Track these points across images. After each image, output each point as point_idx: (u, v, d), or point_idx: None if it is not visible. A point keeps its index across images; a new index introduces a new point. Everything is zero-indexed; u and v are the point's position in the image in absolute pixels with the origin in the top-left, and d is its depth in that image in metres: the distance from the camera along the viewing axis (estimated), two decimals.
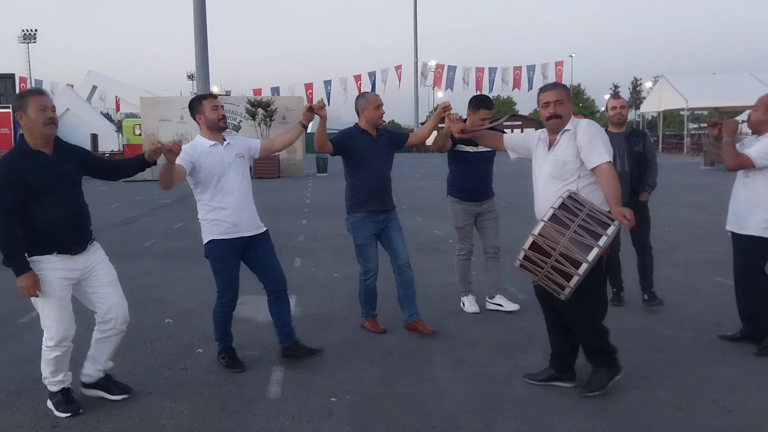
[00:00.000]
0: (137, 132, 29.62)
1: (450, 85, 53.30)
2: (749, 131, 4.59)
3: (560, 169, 3.72)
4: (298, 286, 6.47)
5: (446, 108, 4.65)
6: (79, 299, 3.70)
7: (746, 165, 4.30)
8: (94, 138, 34.38)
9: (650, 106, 44.76)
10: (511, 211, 10.42)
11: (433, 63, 55.62)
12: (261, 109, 24.45)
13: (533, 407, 3.67)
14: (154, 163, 3.80)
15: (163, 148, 3.63)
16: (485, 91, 52.62)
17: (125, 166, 3.93)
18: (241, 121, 25.20)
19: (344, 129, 5.04)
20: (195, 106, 4.21)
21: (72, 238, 3.56)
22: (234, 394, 3.89)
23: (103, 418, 3.56)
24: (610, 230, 3.40)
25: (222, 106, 4.25)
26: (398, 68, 53.46)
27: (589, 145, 3.63)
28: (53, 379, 3.61)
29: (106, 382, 3.82)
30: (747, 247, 4.43)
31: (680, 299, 5.85)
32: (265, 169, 23.03)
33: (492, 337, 4.89)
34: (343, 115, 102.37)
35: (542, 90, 3.84)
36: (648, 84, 61.03)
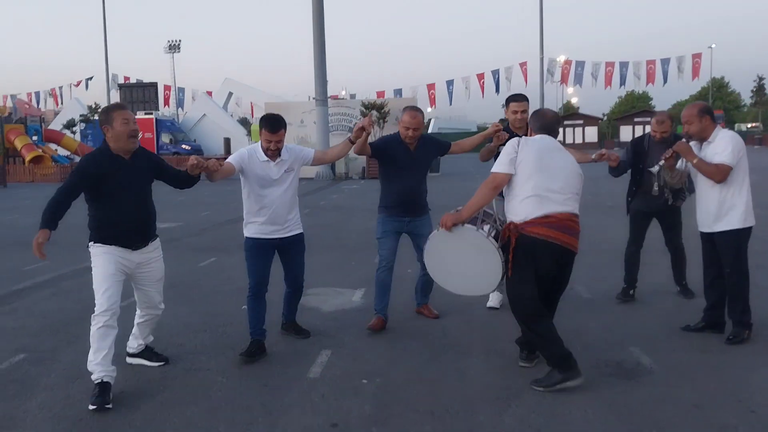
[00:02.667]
0: None
1: (578, 80, 51.85)
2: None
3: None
4: (370, 280, 6.82)
5: (498, 129, 5.25)
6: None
7: (728, 170, 4.52)
8: (227, 142, 36.81)
9: None
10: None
11: (561, 58, 54.26)
12: (375, 111, 25.16)
13: (551, 398, 3.79)
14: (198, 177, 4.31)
15: (201, 165, 4.13)
16: (615, 87, 50.75)
17: (184, 177, 4.33)
18: (355, 123, 26.07)
19: (387, 135, 5.36)
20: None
21: (135, 236, 4.03)
22: (279, 373, 4.31)
23: (162, 388, 4.10)
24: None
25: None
26: (523, 65, 52.61)
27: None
28: (95, 362, 3.85)
29: (147, 353, 4.48)
30: (732, 241, 4.62)
31: None
32: (377, 170, 23.73)
33: None
34: (469, 114, 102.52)
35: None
36: None
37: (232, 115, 54.88)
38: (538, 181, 3.89)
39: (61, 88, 56.73)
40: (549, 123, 4.16)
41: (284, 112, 28.20)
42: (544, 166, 3.94)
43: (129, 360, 4.48)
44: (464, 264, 4.17)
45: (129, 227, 4.01)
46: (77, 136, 40.57)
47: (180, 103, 56.95)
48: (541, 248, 3.86)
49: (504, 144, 4.85)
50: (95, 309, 3.91)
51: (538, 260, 3.89)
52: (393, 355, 4.63)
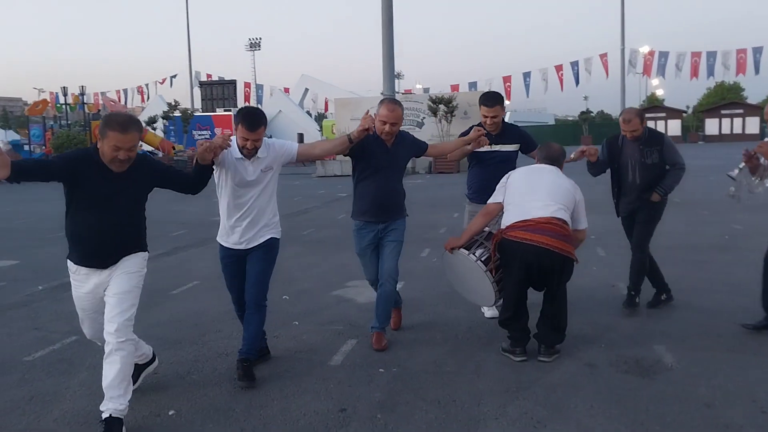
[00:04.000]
0: (334, 131, 31.96)
1: (662, 72, 50.00)
2: None
3: None
4: (412, 273, 6.99)
5: (480, 135, 4.98)
6: None
7: None
8: (300, 137, 37.65)
9: None
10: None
11: (645, 49, 52.48)
12: (442, 105, 25.15)
13: (559, 392, 3.83)
14: (212, 165, 3.84)
15: (212, 146, 3.68)
16: (702, 78, 48.55)
17: (194, 177, 3.82)
18: (424, 118, 26.14)
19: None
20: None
21: (106, 257, 3.47)
22: (303, 359, 4.52)
23: (192, 370, 4.37)
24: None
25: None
26: (603, 56, 51.15)
27: None
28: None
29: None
30: None
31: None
32: (445, 164, 23.79)
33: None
34: (549, 106, 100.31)
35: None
36: None
37: (308, 112, 55.97)
38: (522, 195, 4.41)
39: (147, 85, 59.42)
40: (554, 154, 4.67)
41: (354, 107, 28.88)
42: (529, 183, 4.47)
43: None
44: (467, 280, 4.71)
45: (98, 245, 3.45)
46: (158, 132, 42.40)
47: (259, 100, 58.53)
48: (517, 250, 4.24)
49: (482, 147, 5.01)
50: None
51: (517, 261, 4.27)
52: (414, 346, 4.75)
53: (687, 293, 5.88)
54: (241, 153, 3.98)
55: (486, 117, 5.13)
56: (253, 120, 3.91)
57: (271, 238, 4.23)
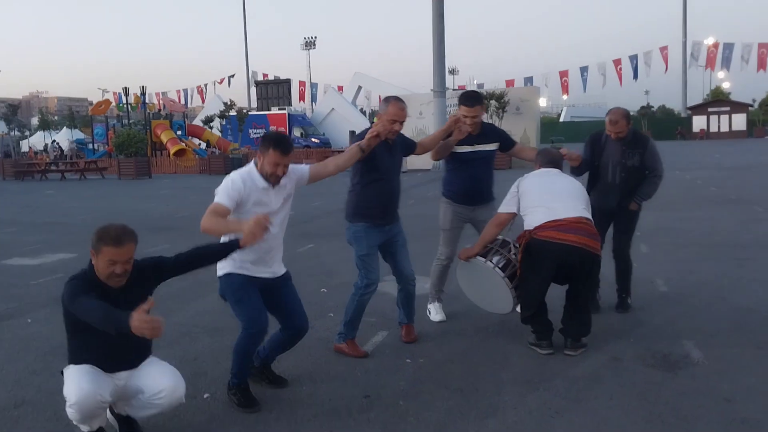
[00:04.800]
0: None
1: (726, 64, 48.56)
2: None
3: None
4: (456, 262, 7.07)
5: (456, 121, 4.87)
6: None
7: None
8: (352, 134, 37.97)
9: None
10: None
11: (709, 40, 50.87)
12: (494, 101, 25.00)
13: (581, 384, 3.89)
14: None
15: (260, 231, 3.32)
16: None
17: (204, 257, 3.56)
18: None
19: (363, 131, 4.52)
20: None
21: (122, 364, 3.30)
22: (327, 348, 4.68)
23: (230, 357, 4.59)
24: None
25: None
26: (663, 49, 49.95)
27: None
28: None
29: None
30: None
31: None
32: (502, 161, 23.68)
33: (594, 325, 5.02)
34: (609, 101, 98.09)
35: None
36: None
37: (362, 109, 56.39)
38: (544, 199, 4.45)
39: (206, 85, 60.98)
40: (556, 158, 4.82)
41: (407, 103, 28.71)
42: (545, 187, 4.56)
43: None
44: (483, 289, 4.81)
45: (116, 356, 3.28)
46: (215, 131, 43.53)
47: (314, 98, 59.35)
48: (550, 249, 4.26)
49: (465, 138, 4.95)
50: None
51: (548, 260, 4.31)
52: (444, 337, 4.87)
53: (725, 290, 5.83)
54: (268, 181, 3.73)
55: (466, 117, 4.94)
56: (287, 144, 3.73)
57: (287, 271, 4.05)
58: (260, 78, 56.37)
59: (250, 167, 3.76)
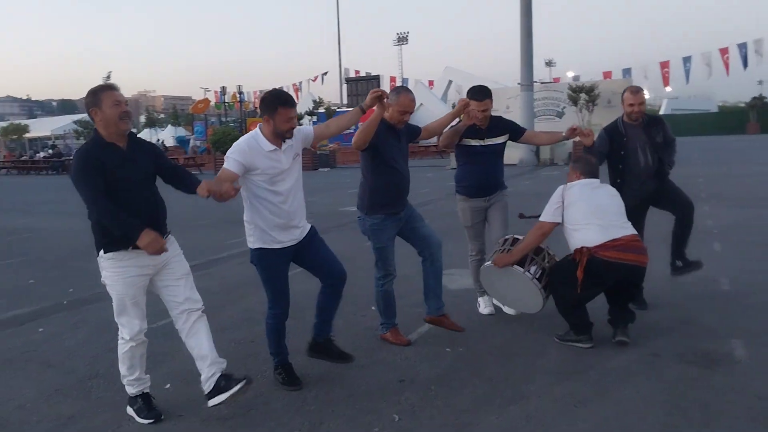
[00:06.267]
0: None
1: None
2: None
3: None
4: None
5: (466, 104, 4.91)
6: (156, 293, 3.78)
7: None
8: None
9: None
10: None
11: None
12: (584, 94, 24.45)
13: (612, 376, 3.97)
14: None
15: (213, 191, 3.50)
16: None
17: (181, 181, 3.74)
18: (564, 107, 25.54)
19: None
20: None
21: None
22: (375, 337, 4.91)
23: (256, 346, 4.92)
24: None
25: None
26: None
27: None
28: (130, 378, 3.71)
29: (224, 382, 3.59)
30: None
31: None
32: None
33: (640, 322, 4.99)
34: (718, 93, 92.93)
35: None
36: None
37: (453, 104, 56.19)
38: (596, 215, 4.51)
39: (300, 83, 62.65)
40: (593, 168, 4.80)
41: (498, 97, 28.56)
42: (594, 202, 4.59)
43: (211, 402, 3.62)
44: (512, 292, 4.93)
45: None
46: None
47: None
48: (611, 268, 4.36)
49: (476, 133, 5.02)
50: (122, 336, 3.68)
51: (609, 279, 4.43)
52: (489, 328, 5.02)
53: None
54: (274, 142, 3.82)
55: (476, 111, 4.98)
56: (289, 97, 3.88)
57: (312, 227, 4.15)
58: (352, 75, 57.38)
59: (256, 132, 3.87)
